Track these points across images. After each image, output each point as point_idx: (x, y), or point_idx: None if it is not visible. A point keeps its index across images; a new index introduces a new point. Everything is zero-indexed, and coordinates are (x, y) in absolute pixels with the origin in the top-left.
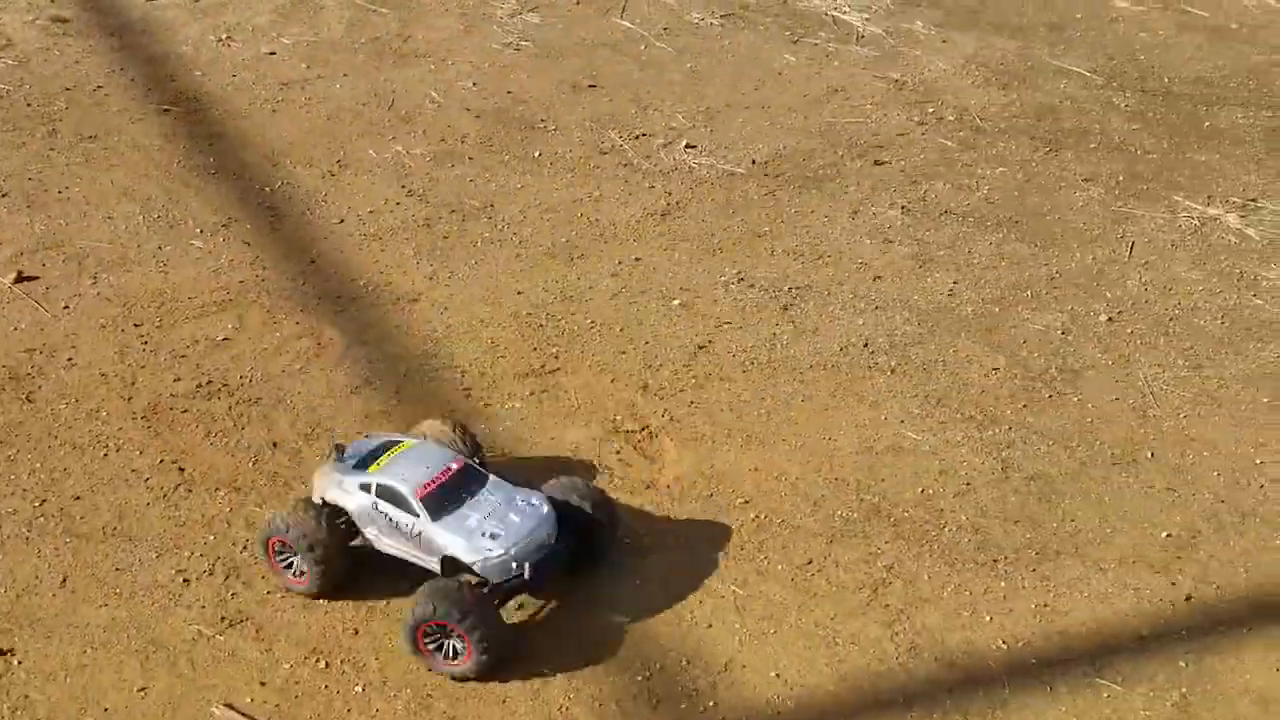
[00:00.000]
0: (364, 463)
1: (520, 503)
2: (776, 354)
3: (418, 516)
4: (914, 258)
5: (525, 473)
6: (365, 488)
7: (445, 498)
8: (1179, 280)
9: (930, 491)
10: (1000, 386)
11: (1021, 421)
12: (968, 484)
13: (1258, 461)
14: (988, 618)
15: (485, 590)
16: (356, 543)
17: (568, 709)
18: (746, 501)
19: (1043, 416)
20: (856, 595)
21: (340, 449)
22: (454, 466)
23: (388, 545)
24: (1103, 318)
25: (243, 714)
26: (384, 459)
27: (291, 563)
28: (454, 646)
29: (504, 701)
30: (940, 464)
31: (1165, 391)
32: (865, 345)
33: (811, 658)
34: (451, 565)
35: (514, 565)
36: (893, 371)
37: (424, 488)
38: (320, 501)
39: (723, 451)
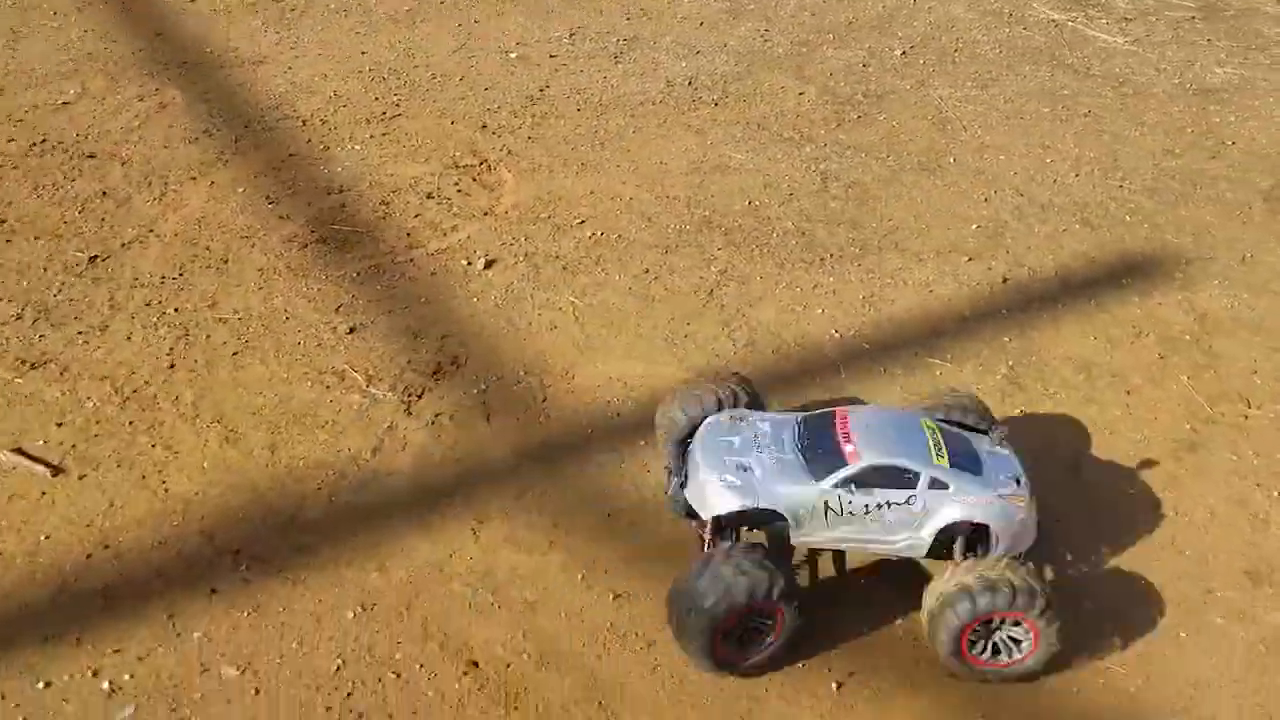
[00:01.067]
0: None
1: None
2: (608, 94)
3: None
4: (728, 11)
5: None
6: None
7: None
8: (958, 19)
9: (756, 203)
10: (813, 111)
11: (835, 139)
12: (790, 194)
13: (1048, 161)
14: (819, 310)
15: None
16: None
17: (398, 427)
18: (583, 221)
19: (853, 134)
20: (693, 298)
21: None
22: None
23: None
24: (898, 52)
25: (31, 457)
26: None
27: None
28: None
29: (331, 426)
30: (764, 179)
31: (958, 108)
32: (689, 83)
33: (652, 358)
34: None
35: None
36: (716, 104)
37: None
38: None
39: (559, 179)
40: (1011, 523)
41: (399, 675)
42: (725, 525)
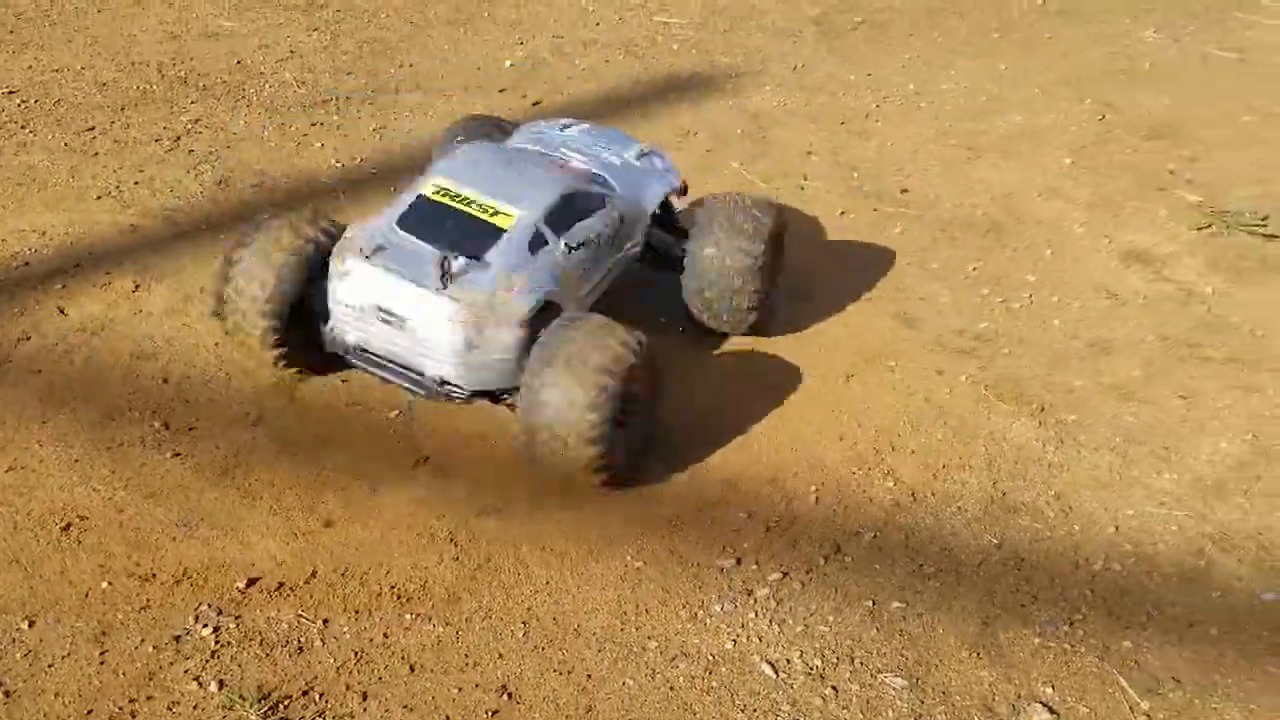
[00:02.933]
0: None
1: None
2: None
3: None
4: None
5: None
6: None
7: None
8: None
9: (248, 62)
10: None
11: (350, 4)
12: (292, 52)
13: (590, 9)
14: (318, 145)
15: None
16: None
17: None
18: (12, 92)
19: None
20: (153, 147)
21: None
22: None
23: None
24: None
25: None
26: None
27: None
28: None
29: None
30: (260, 42)
31: None
32: None
33: (83, 210)
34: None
35: None
36: None
37: None
38: None
39: None
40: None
41: None
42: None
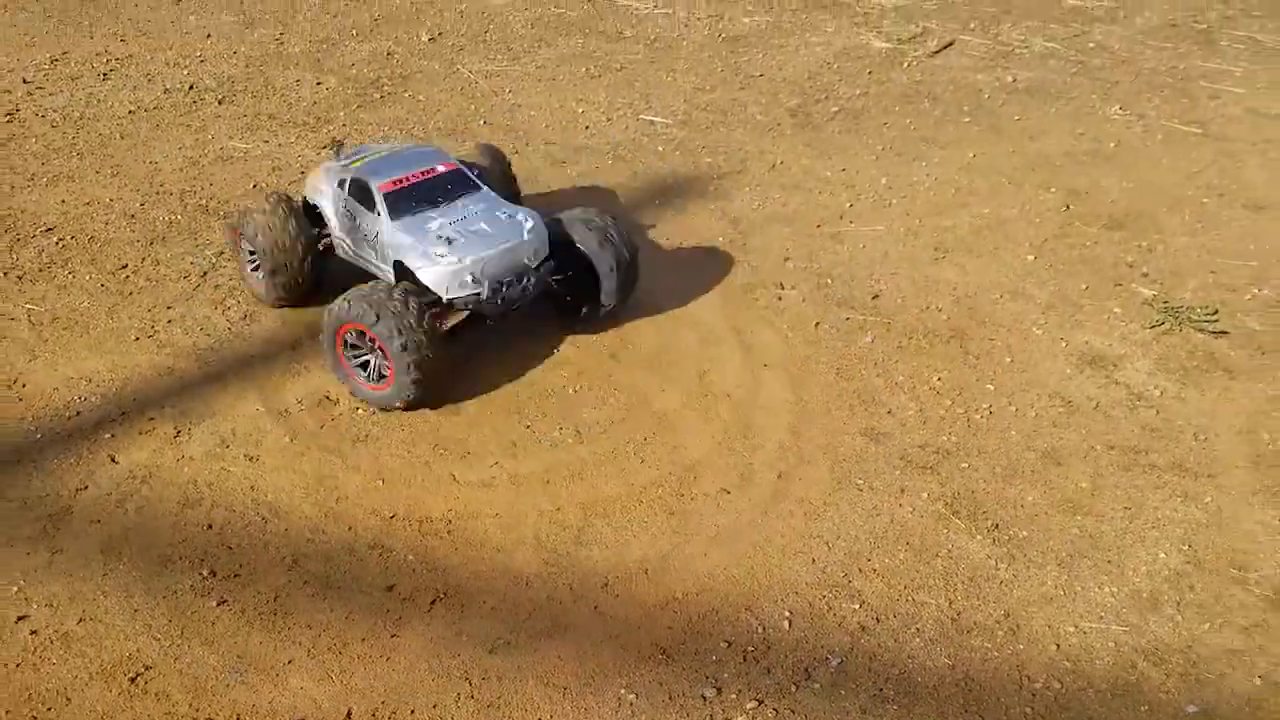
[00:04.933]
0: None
1: (502, 216)
2: (91, 109)
3: (377, 215)
4: (240, 23)
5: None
6: (341, 184)
7: (414, 198)
8: (490, 6)
9: (262, 185)
10: (332, 98)
11: (356, 119)
12: (303, 172)
13: (580, 112)
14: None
15: (433, 307)
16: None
17: None
18: (49, 229)
19: (377, 112)
20: (180, 285)
21: (339, 146)
22: (439, 169)
23: (352, 253)
24: (425, 39)
25: None
26: (372, 157)
27: (258, 265)
28: (379, 367)
29: None
30: (273, 163)
31: (489, 80)
32: (190, 89)
33: (124, 354)
34: (400, 271)
35: (469, 279)
36: (220, 102)
37: (393, 183)
38: (302, 201)
39: (22, 195)
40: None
41: None
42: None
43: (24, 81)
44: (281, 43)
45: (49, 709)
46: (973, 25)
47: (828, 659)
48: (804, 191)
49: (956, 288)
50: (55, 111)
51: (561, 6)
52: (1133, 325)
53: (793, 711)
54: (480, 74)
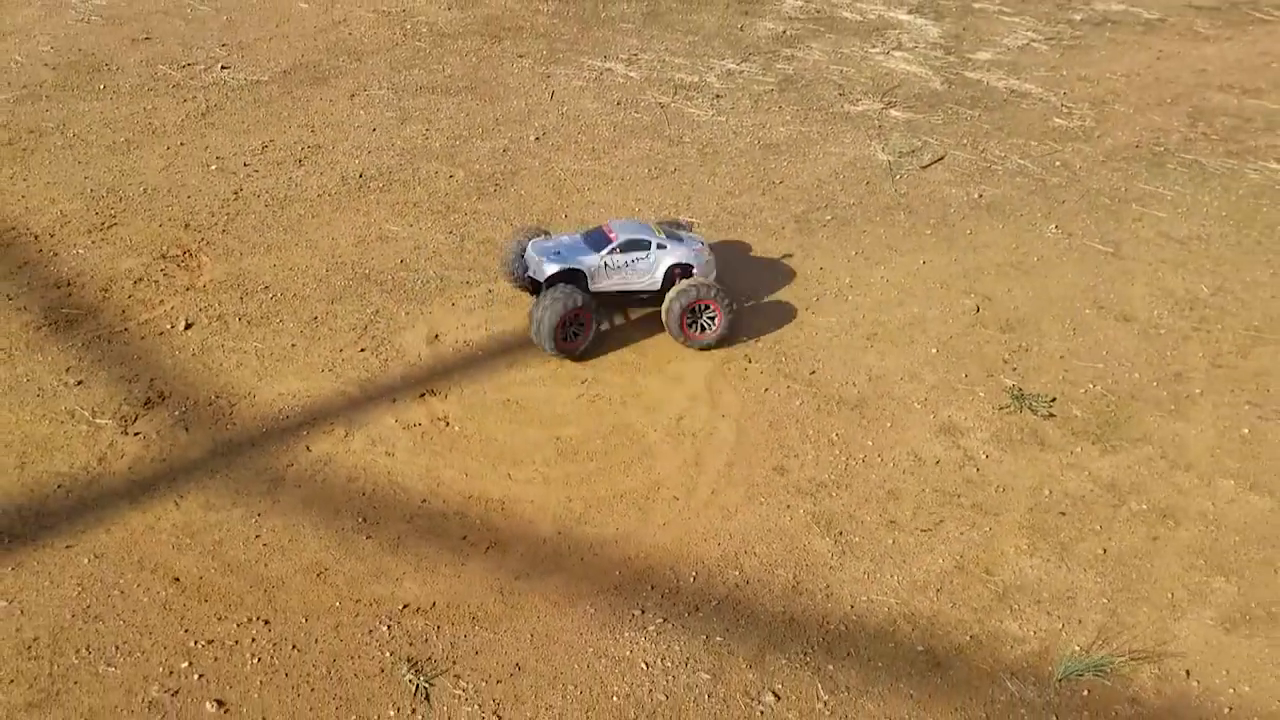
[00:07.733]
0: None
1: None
2: (292, 191)
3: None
4: (396, 119)
5: None
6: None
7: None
8: (585, 110)
9: (408, 260)
10: (460, 189)
11: (474, 209)
12: (435, 252)
13: (635, 209)
14: (458, 325)
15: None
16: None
17: (117, 444)
18: (266, 287)
19: (490, 203)
20: (349, 335)
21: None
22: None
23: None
24: (532, 138)
25: None
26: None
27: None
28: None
29: (66, 448)
30: (415, 243)
31: (574, 178)
32: (360, 176)
33: (314, 379)
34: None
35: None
36: (381, 190)
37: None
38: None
39: (247, 259)
40: (701, 261)
41: (123, 592)
42: (551, 280)
43: (244, 165)
44: (427, 138)
45: (274, 589)
46: (964, 141)
47: (712, 600)
48: (785, 287)
49: (873, 369)
50: (266, 193)
51: (640, 112)
52: (986, 407)
53: (684, 628)
54: (569, 172)
